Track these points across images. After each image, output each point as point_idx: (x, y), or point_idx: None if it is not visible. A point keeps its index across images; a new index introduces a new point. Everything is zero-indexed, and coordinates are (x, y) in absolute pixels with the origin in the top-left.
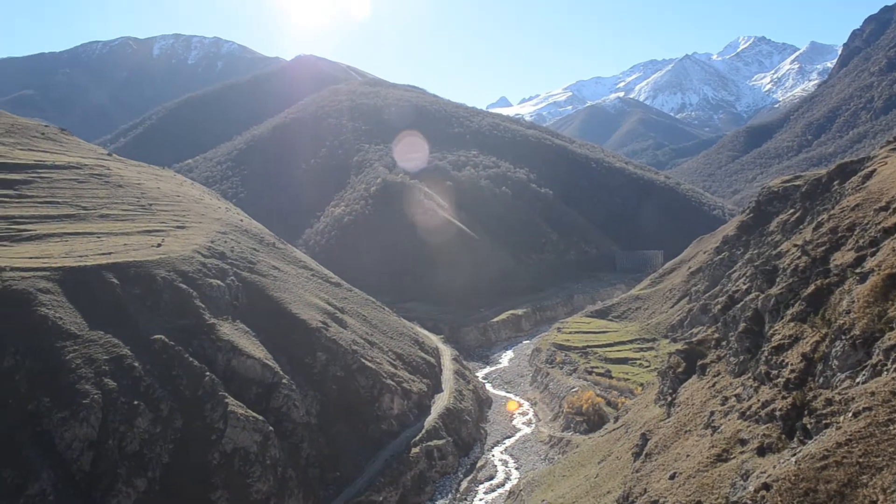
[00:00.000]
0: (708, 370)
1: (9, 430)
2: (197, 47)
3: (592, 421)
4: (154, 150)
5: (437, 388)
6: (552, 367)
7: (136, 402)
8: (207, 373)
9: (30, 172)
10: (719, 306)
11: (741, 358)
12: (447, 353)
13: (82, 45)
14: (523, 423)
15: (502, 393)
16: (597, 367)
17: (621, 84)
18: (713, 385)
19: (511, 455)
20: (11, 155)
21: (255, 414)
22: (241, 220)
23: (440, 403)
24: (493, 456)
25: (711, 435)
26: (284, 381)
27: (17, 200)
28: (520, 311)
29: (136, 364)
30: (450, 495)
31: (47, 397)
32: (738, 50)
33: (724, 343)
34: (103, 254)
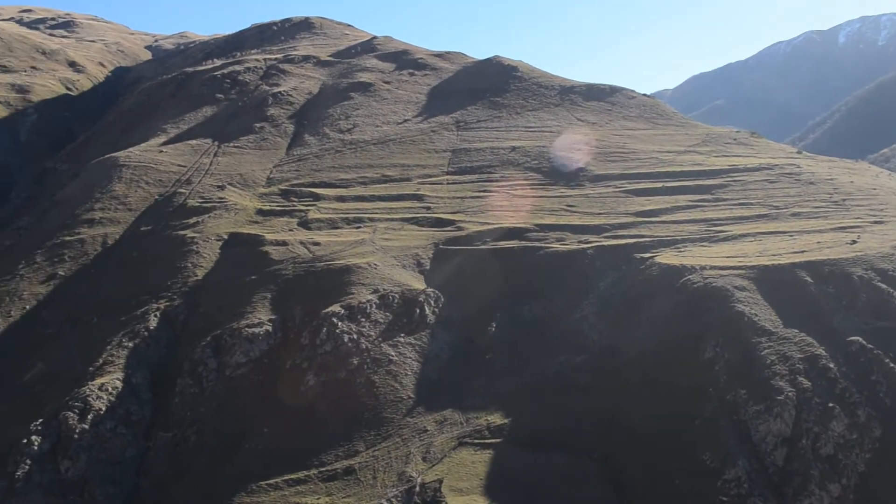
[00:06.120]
0: None
1: (709, 416)
2: (886, 26)
3: None
4: (845, 143)
5: None
6: None
7: (830, 405)
8: None
9: (724, 177)
10: None
11: None
12: None
13: (766, 48)
14: None
15: None
16: None
17: None
18: None
19: None
20: (708, 162)
21: None
22: None
23: None
24: None
25: None
26: None
27: (713, 204)
28: None
29: (831, 365)
30: None
31: (743, 389)
32: None
33: None
34: (795, 252)
